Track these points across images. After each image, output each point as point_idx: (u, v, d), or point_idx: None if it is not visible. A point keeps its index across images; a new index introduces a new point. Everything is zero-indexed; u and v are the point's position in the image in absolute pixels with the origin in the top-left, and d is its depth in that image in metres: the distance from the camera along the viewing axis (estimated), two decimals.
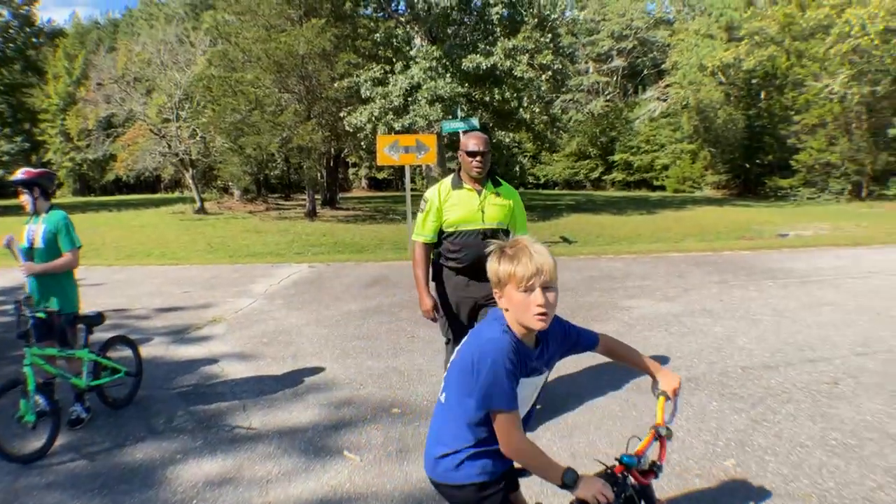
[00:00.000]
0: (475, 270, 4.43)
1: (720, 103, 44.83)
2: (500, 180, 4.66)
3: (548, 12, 26.04)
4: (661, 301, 9.03)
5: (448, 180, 4.63)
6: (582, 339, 2.51)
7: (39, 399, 4.50)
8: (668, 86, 52.37)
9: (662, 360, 6.29)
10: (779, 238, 16.97)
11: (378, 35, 25.85)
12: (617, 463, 2.22)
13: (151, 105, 34.22)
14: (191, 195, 34.73)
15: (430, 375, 5.93)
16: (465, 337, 2.35)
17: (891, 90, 28.54)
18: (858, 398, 5.15)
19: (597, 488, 2.07)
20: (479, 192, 4.52)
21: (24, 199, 4.98)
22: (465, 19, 27.14)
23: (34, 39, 45.21)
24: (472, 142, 4.43)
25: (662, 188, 50.68)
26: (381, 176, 66.17)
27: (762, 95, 43.19)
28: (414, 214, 5.20)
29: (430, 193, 4.63)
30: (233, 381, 5.98)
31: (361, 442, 4.61)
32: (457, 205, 4.52)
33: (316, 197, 31.29)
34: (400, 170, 48.63)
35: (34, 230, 4.97)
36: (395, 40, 26.10)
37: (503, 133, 26.68)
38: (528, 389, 2.26)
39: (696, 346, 6.78)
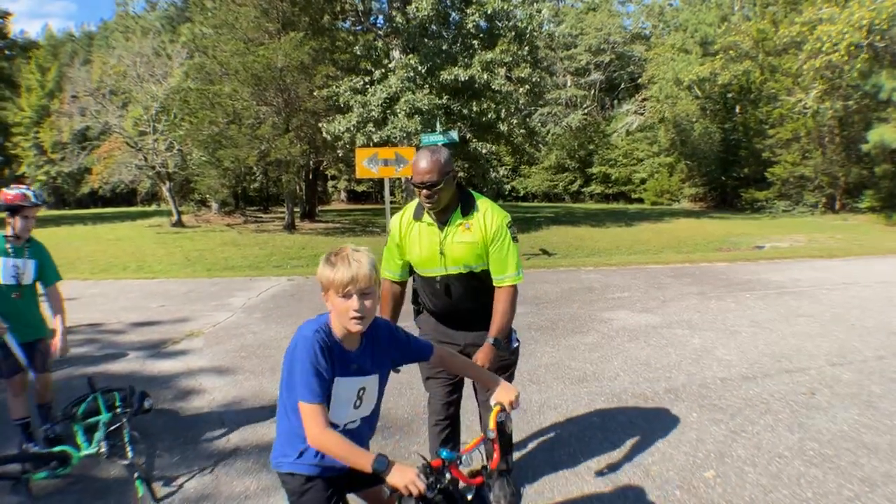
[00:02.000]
0: (453, 318, 3.69)
1: (696, 117, 45.32)
2: (479, 203, 3.53)
3: (524, 25, 26.20)
4: (640, 313, 9.08)
5: (412, 207, 3.65)
6: (415, 349, 2.66)
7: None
8: (644, 99, 52.87)
9: (642, 371, 6.32)
10: (755, 250, 17.15)
11: (358, 48, 25.89)
12: (436, 457, 2.29)
13: (127, 118, 33.90)
14: (168, 208, 34.44)
15: (409, 388, 5.89)
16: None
17: (862, 105, 28.98)
18: (834, 408, 5.20)
19: (409, 477, 2.08)
20: (443, 227, 3.49)
21: (19, 224, 4.52)
22: (444, 32, 27.28)
23: (7, 52, 44.70)
24: (417, 166, 3.36)
25: (641, 201, 50.99)
26: (360, 188, 65.95)
27: (737, 109, 43.69)
28: None
29: (393, 223, 3.72)
30: (211, 396, 5.92)
31: None
32: (416, 242, 3.59)
33: (295, 210, 31.15)
34: (379, 182, 48.45)
35: (21, 265, 4.58)
36: (374, 52, 26.16)
37: (481, 144, 26.78)
38: (350, 388, 2.37)
39: (675, 357, 6.81)
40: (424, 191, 3.32)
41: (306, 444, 2.34)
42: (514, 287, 3.50)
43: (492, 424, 2.43)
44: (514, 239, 3.52)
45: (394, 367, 2.61)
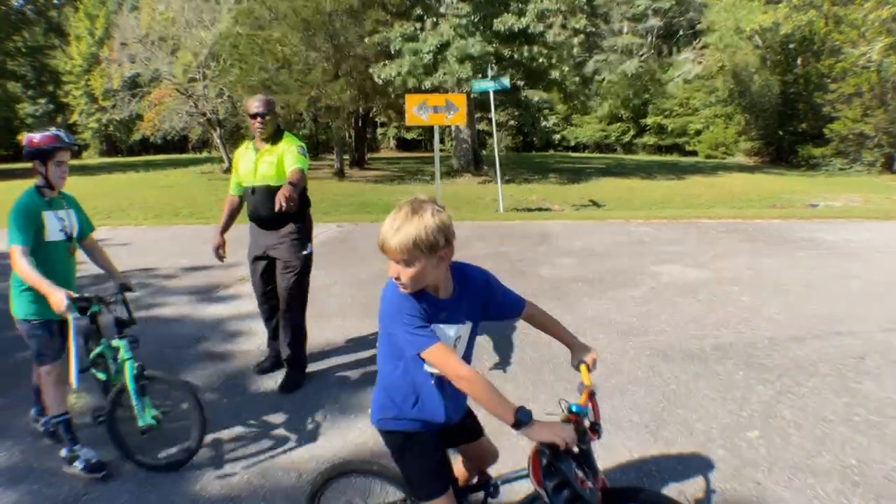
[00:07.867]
0: (260, 221, 4.96)
1: (756, 67, 43.83)
2: (285, 137, 4.93)
3: None
4: (690, 268, 8.95)
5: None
6: (506, 302, 2.49)
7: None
8: (704, 47, 51.28)
9: (690, 327, 6.26)
10: (809, 208, 16.72)
11: None
12: (567, 413, 2.15)
13: (177, 64, 34.04)
14: (219, 155, 34.82)
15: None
16: None
17: None
18: (883, 375, 5.06)
19: (567, 431, 1.97)
20: (255, 152, 4.91)
21: (53, 171, 3.77)
22: None
23: (55, 0, 45.02)
24: (253, 102, 4.87)
25: (694, 153, 49.92)
26: (409, 136, 65.89)
27: (799, 61, 42.05)
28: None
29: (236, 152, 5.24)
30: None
31: None
32: (241, 162, 5.06)
33: (344, 157, 31.28)
34: (429, 130, 48.24)
35: (66, 217, 3.89)
36: None
37: (532, 92, 26.35)
38: (443, 336, 2.21)
39: (723, 314, 6.72)
40: (258, 120, 4.79)
41: (401, 400, 2.32)
42: (301, 169, 4.66)
43: (588, 381, 2.35)
44: (304, 154, 4.84)
45: (483, 317, 2.45)
